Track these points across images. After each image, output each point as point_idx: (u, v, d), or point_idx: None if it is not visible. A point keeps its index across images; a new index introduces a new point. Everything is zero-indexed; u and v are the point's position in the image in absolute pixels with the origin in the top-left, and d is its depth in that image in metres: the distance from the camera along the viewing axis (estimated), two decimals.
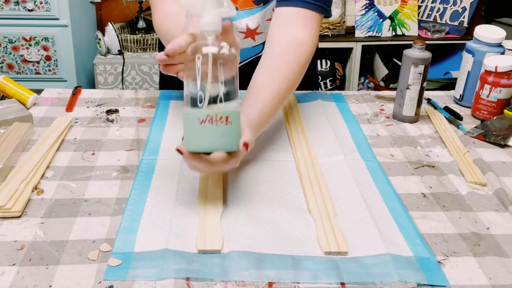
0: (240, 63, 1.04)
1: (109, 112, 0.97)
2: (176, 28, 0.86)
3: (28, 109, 0.97)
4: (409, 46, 0.96)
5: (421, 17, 2.62)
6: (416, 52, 0.93)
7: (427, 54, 0.93)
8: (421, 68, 0.93)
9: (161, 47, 1.21)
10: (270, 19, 0.99)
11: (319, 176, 0.76)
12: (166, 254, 0.59)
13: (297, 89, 1.08)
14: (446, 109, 1.03)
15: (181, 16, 0.88)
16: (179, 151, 0.63)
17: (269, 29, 0.92)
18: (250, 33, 1.02)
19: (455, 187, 0.76)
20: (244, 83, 1.07)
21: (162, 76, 1.25)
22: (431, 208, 0.71)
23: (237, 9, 0.99)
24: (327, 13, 0.93)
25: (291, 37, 0.88)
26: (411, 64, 0.93)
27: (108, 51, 2.52)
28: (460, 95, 1.07)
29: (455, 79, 1.11)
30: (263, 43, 1.04)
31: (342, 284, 0.56)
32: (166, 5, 0.95)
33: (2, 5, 2.25)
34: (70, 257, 0.59)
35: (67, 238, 0.62)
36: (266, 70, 0.85)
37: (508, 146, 0.89)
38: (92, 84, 2.59)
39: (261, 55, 1.03)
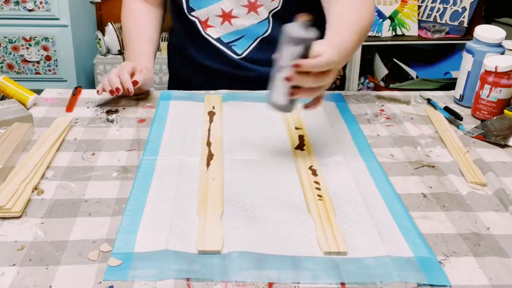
0: (250, 45, 1.06)
1: (109, 112, 0.97)
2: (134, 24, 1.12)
3: (28, 109, 0.97)
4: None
5: (421, 17, 2.62)
6: (297, 30, 0.73)
7: (312, 34, 0.74)
8: (300, 48, 0.73)
9: (170, 51, 1.24)
10: None
11: (318, 177, 0.76)
12: (166, 255, 0.59)
13: None
14: (446, 109, 1.03)
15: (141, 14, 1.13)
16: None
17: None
18: (252, 6, 1.03)
19: (455, 187, 0.76)
20: (259, 63, 1.08)
21: (171, 76, 1.27)
22: (431, 208, 0.71)
23: None
24: None
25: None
26: (288, 42, 0.73)
27: (108, 51, 2.52)
28: (460, 95, 1.07)
29: (455, 79, 1.11)
30: (268, 20, 1.05)
31: (342, 284, 0.56)
32: (131, 2, 1.15)
33: (2, 5, 2.25)
34: (70, 257, 0.59)
35: (67, 238, 0.62)
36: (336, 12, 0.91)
37: (508, 146, 0.89)
38: (92, 84, 2.59)
39: (269, 35, 1.06)
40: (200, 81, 1.11)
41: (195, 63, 1.14)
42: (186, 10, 1.07)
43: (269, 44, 1.07)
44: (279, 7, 1.04)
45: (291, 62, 0.72)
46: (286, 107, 0.78)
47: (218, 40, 1.08)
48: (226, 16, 1.05)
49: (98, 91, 0.98)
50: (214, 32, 1.08)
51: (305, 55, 0.73)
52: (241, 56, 1.09)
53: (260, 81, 1.08)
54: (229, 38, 1.07)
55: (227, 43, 1.08)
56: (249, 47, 1.08)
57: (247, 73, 1.10)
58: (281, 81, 0.74)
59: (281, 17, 1.05)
